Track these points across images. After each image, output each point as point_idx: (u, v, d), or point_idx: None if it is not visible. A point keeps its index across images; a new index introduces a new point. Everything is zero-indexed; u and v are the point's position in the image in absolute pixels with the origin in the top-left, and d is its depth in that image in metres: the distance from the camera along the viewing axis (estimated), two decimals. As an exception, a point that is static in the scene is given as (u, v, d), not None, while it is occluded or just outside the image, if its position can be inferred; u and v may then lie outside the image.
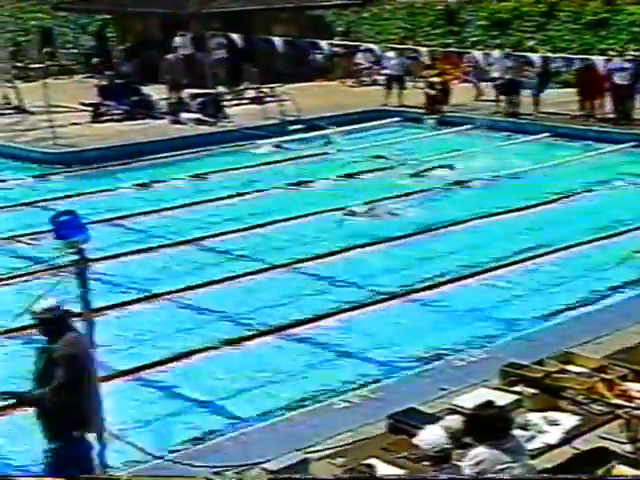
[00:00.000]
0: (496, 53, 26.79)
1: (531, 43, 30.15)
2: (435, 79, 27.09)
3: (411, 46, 29.85)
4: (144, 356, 12.20)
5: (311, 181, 20.55)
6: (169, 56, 29.74)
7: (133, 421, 10.40)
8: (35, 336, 12.46)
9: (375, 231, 17.16)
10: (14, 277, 14.61)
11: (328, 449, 8.88)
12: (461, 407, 9.18)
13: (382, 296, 14.00)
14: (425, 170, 21.21)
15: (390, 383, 11.03)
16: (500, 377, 10.10)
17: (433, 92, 26.64)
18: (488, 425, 7.10)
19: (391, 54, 28.58)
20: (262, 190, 20.10)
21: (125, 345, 12.53)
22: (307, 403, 10.78)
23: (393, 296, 14.00)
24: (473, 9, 33.58)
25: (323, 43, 29.28)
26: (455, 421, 8.78)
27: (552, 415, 9.30)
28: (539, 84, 26.00)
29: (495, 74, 26.39)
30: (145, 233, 17.53)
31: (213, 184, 20.82)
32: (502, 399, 9.06)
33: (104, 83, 29.17)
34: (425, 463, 8.47)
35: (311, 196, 19.60)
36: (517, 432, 7.84)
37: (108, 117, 26.94)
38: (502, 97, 26.14)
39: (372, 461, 8.41)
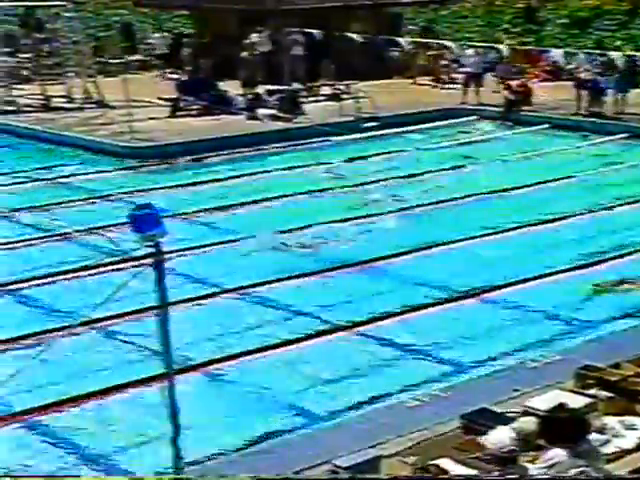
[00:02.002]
0: (578, 52, 26.47)
1: (616, 43, 29.69)
2: (513, 82, 26.84)
3: (491, 44, 29.62)
4: (216, 350, 12.27)
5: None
6: (246, 52, 29.95)
7: (204, 416, 10.47)
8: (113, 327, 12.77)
9: (460, 228, 17.08)
10: (92, 268, 14.81)
11: (400, 447, 8.85)
12: (534, 409, 9.08)
13: (457, 295, 13.92)
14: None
15: (463, 383, 10.98)
16: (575, 380, 9.97)
17: (512, 96, 26.37)
18: (563, 428, 7.01)
19: (469, 52, 28.38)
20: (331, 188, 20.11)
21: (197, 339, 12.61)
22: (379, 401, 10.77)
23: (468, 295, 13.92)
24: (553, 7, 33.20)
25: (401, 40, 29.20)
26: (528, 422, 8.68)
27: (629, 419, 9.15)
28: (622, 84, 25.58)
29: (580, 74, 26.07)
30: (220, 228, 17.66)
31: (289, 180, 20.90)
32: (576, 402, 8.94)
33: (184, 78, 29.46)
34: (494, 464, 8.39)
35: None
36: (592, 436, 7.74)
37: (185, 112, 27.21)
38: (584, 96, 25.84)
39: (443, 460, 8.36)
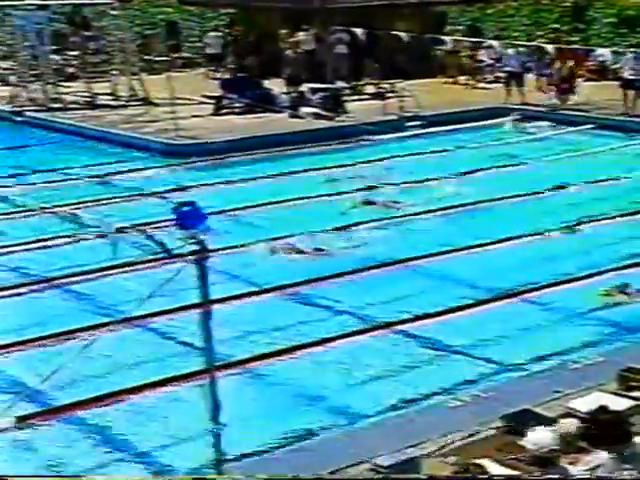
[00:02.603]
0: (626, 52, 26.22)
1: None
2: (557, 79, 26.68)
3: (536, 43, 29.44)
4: (256, 348, 12.31)
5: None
6: (291, 50, 30.00)
7: (244, 413, 10.50)
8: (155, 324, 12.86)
9: (504, 228, 17.00)
10: (136, 265, 14.90)
11: (440, 447, 8.84)
12: (576, 410, 9.03)
13: (499, 294, 13.86)
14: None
15: (503, 383, 10.93)
16: (617, 381, 9.89)
17: (554, 92, 26.22)
18: (605, 430, 6.97)
19: (511, 51, 28.26)
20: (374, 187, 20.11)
21: (239, 336, 12.66)
22: (420, 401, 10.76)
23: (509, 295, 13.85)
24: (602, 6, 32.90)
25: (446, 39, 29.11)
26: (569, 424, 8.64)
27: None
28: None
29: (625, 74, 25.84)
30: (263, 226, 17.70)
31: (331, 179, 20.91)
32: (618, 404, 8.87)
33: (227, 76, 29.59)
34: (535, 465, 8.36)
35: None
36: (637, 439, 7.68)
37: (229, 110, 27.31)
38: (630, 96, 25.58)
39: (484, 461, 8.34)
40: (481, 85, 30.84)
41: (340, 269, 14.96)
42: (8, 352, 12.27)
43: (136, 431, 10.38)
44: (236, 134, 24.36)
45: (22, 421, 10.21)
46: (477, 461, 8.37)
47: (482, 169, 21.31)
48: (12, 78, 30.45)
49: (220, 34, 34.97)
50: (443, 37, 28.98)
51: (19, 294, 14.38)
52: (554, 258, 15.57)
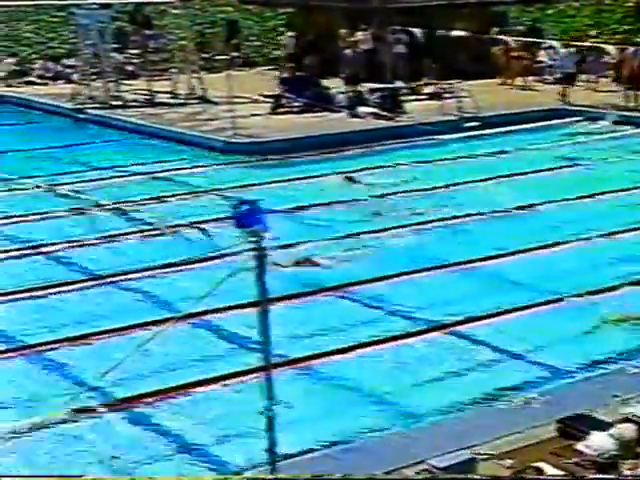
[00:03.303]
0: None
1: None
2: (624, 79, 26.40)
3: (595, 44, 29.16)
4: (313, 347, 12.33)
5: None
6: (349, 50, 30.00)
7: (299, 411, 10.52)
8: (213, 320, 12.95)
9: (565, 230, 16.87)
10: (194, 263, 15.01)
11: (495, 450, 8.80)
12: (634, 415, 8.94)
13: (556, 297, 13.76)
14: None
15: (560, 387, 10.85)
16: (677, 388, 9.78)
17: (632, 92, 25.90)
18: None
19: (564, 51, 28.03)
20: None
21: (296, 335, 12.70)
22: (475, 403, 10.71)
23: (566, 298, 13.73)
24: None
25: (504, 40, 28.92)
26: (628, 429, 8.56)
27: None
28: None
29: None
30: (320, 225, 17.73)
31: (387, 178, 20.89)
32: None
33: (286, 76, 29.67)
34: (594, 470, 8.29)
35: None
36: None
37: (287, 109, 27.39)
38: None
39: (540, 465, 8.30)
40: (537, 85, 30.57)
41: (394, 270, 14.94)
42: (70, 346, 12.43)
43: (191, 426, 10.45)
44: (294, 133, 24.41)
45: (79, 414, 10.34)
46: (535, 464, 8.32)
47: (540, 170, 21.16)
48: (74, 76, 30.84)
49: (292, 34, 35.03)
50: (501, 37, 28.79)
51: (80, 289, 14.54)
52: (615, 260, 15.40)
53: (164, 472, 9.51)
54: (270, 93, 28.18)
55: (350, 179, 18.04)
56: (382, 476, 8.34)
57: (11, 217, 18.04)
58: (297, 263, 15.22)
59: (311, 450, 9.64)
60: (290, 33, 34.59)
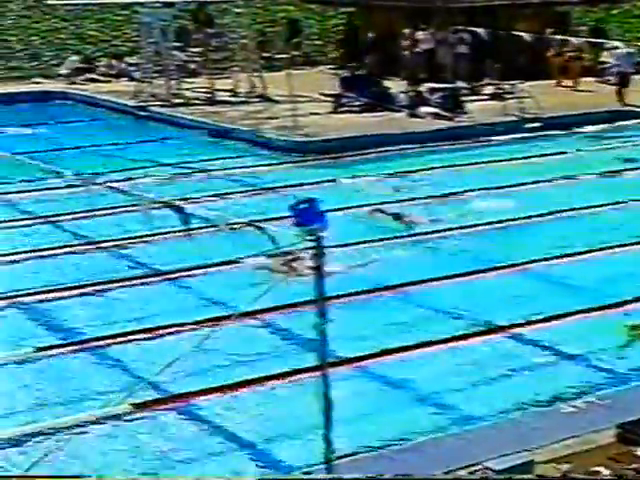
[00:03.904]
0: None
1: None
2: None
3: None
4: (370, 346, 12.31)
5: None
6: (410, 49, 29.91)
7: (356, 410, 10.52)
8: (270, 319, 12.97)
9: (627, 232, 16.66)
10: (252, 260, 15.03)
11: (553, 453, 8.72)
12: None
13: (618, 300, 13.60)
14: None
15: (620, 391, 10.71)
16: None
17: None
18: None
19: (620, 51, 27.70)
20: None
21: (353, 334, 12.67)
22: (533, 405, 10.63)
23: (630, 301, 13.56)
24: None
25: (565, 40, 28.65)
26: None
27: None
28: None
29: None
30: (379, 224, 17.72)
31: (449, 179, 20.80)
32: None
33: (346, 74, 29.67)
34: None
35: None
36: None
37: (347, 108, 27.37)
38: None
39: (600, 469, 8.20)
40: (599, 87, 30.17)
41: (451, 270, 14.87)
42: (127, 342, 12.55)
43: (247, 424, 10.49)
44: (353, 132, 24.40)
45: (138, 408, 10.43)
46: (593, 469, 8.23)
47: (601, 172, 20.92)
48: (137, 74, 31.13)
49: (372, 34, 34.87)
50: (565, 38, 28.51)
51: (139, 285, 14.67)
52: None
53: (217, 469, 9.56)
54: (330, 92, 28.19)
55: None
56: (440, 476, 8.30)
57: (72, 213, 18.25)
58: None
59: (366, 450, 9.62)
60: (370, 34, 34.33)
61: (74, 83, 32.56)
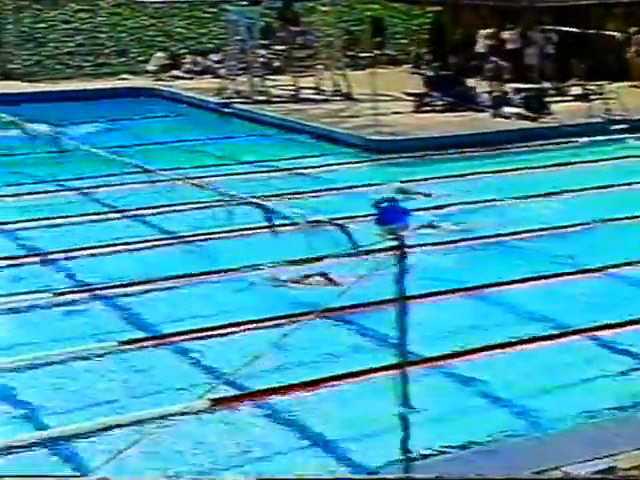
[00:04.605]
0: None
1: None
2: None
3: None
4: (449, 346, 12.25)
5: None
6: (495, 49, 29.66)
7: (433, 411, 10.46)
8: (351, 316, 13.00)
9: None
10: (333, 259, 15.03)
11: (636, 461, 8.58)
12: None
13: None
14: None
15: None
16: None
17: None
18: None
19: None
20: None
21: (432, 334, 12.62)
22: (615, 411, 10.48)
23: None
24: None
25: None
26: None
27: None
28: None
29: None
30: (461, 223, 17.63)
31: (532, 180, 20.60)
32: None
33: (431, 74, 29.56)
34: None
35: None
36: None
37: (430, 108, 27.27)
38: None
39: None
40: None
41: (529, 272, 14.71)
42: (207, 337, 12.66)
43: (324, 422, 10.50)
44: (435, 132, 24.31)
45: (216, 404, 10.52)
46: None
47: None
48: (221, 71, 31.41)
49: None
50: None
51: (217, 282, 14.78)
52: None
53: (294, 467, 9.59)
54: (414, 91, 28.10)
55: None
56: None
57: (155, 207, 18.46)
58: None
59: (444, 451, 9.58)
60: (483, 32, 34.01)
61: (160, 80, 33.00)
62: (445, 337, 12.63)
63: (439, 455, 9.45)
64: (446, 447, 9.70)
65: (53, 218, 17.75)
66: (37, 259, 15.81)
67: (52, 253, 15.93)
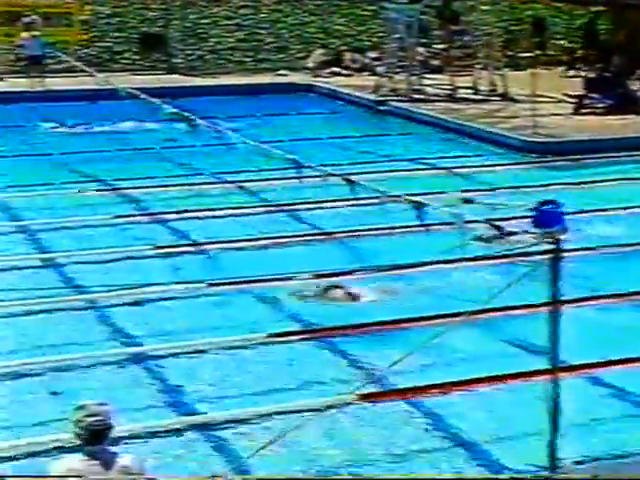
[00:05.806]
0: None
1: None
2: None
3: None
4: (601, 354, 11.96)
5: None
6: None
7: (582, 417, 10.26)
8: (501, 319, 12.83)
9: None
10: (486, 260, 14.88)
11: None
12: None
13: None
14: None
15: None
16: None
17: None
18: None
19: None
20: None
21: (583, 341, 12.34)
22: None
23: None
24: None
25: None
26: None
27: None
28: None
29: None
30: (617, 229, 17.19)
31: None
32: None
33: (591, 76, 28.94)
34: None
35: None
36: None
37: (590, 110, 26.71)
38: None
39: None
40: None
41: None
42: (356, 334, 12.72)
43: (469, 423, 10.42)
44: (594, 134, 23.80)
45: (364, 399, 10.57)
46: None
47: None
48: (379, 69, 31.50)
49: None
50: None
51: (367, 280, 14.81)
52: None
53: (435, 467, 9.54)
54: (574, 93, 27.57)
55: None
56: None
57: (308, 202, 18.60)
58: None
59: (591, 459, 9.39)
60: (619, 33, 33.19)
61: (318, 76, 33.33)
62: (596, 343, 12.36)
63: (587, 462, 9.27)
64: (595, 455, 9.50)
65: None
66: (193, 249, 16.18)
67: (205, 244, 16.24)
